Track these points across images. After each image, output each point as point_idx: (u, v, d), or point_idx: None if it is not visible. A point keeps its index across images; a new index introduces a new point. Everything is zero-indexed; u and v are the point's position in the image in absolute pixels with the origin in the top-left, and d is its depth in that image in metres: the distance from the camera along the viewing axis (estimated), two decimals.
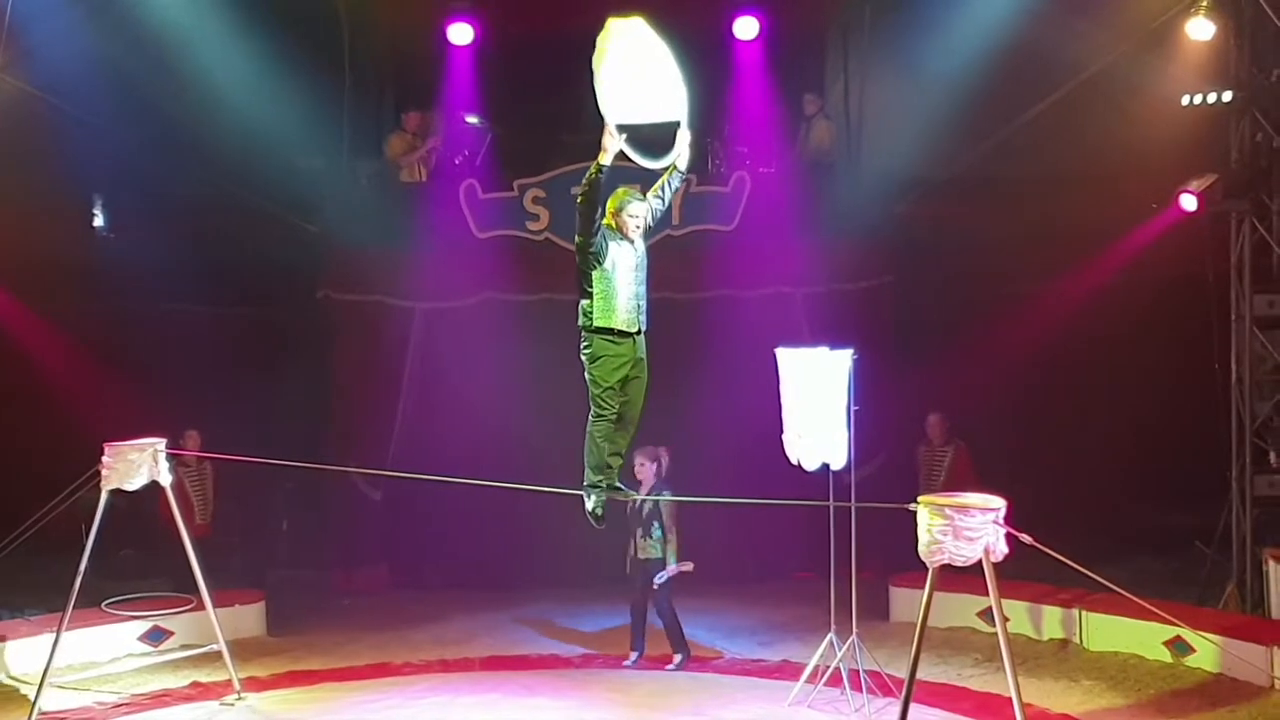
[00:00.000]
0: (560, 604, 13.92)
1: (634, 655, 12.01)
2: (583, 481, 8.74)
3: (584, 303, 8.48)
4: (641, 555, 11.90)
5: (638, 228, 8.56)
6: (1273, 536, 12.68)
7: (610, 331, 8.45)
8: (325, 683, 11.66)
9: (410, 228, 14.85)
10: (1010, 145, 14.50)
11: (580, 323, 8.48)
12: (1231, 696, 10.57)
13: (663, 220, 13.51)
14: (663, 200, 8.76)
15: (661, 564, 11.89)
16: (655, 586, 11.89)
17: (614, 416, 8.61)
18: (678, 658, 11.92)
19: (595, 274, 8.43)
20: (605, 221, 8.49)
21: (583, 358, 8.52)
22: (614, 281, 8.45)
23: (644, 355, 8.64)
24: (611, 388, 8.53)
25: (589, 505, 8.77)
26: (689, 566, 11.98)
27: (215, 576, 11.43)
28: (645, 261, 8.63)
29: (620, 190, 8.59)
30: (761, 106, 15.10)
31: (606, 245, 8.43)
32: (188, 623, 12.37)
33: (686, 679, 11.64)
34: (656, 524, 11.85)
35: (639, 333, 8.57)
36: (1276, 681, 10.50)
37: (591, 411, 8.61)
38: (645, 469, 11.84)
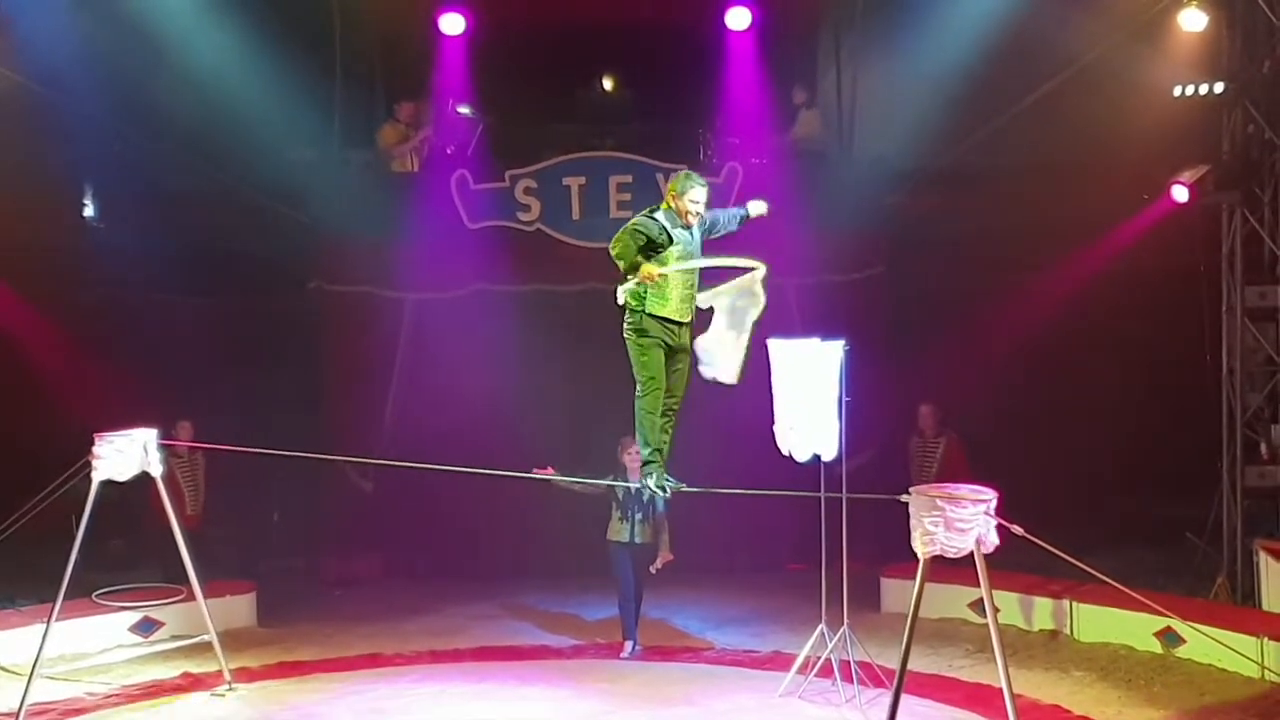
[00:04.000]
0: (551, 594, 13.92)
1: (630, 645, 12.00)
2: (642, 462, 8.83)
3: (629, 287, 8.41)
4: (639, 540, 11.91)
5: (697, 214, 8.52)
6: (1263, 528, 12.71)
7: (661, 319, 8.45)
8: (316, 673, 11.64)
9: (401, 218, 14.82)
10: (1002, 136, 14.49)
11: (629, 304, 8.45)
12: (1221, 688, 10.59)
13: None
14: (719, 222, 8.82)
15: (654, 550, 11.93)
16: (653, 572, 11.94)
17: (662, 387, 8.55)
18: (630, 645, 12.01)
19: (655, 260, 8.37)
20: (664, 204, 8.47)
21: (627, 332, 8.50)
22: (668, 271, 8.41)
23: (687, 344, 8.63)
24: (658, 361, 8.50)
25: (653, 482, 8.76)
26: (671, 556, 12.05)
27: (206, 567, 11.41)
28: (700, 250, 8.61)
29: (683, 174, 8.55)
30: (753, 97, 15.08)
31: (667, 229, 8.38)
32: (178, 613, 12.36)
33: (678, 670, 11.65)
34: (653, 510, 11.88)
35: (688, 323, 8.58)
36: (1266, 672, 10.52)
37: (639, 387, 8.57)
38: (634, 457, 11.83)
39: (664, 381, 8.60)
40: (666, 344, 8.55)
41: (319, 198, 15.06)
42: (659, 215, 8.46)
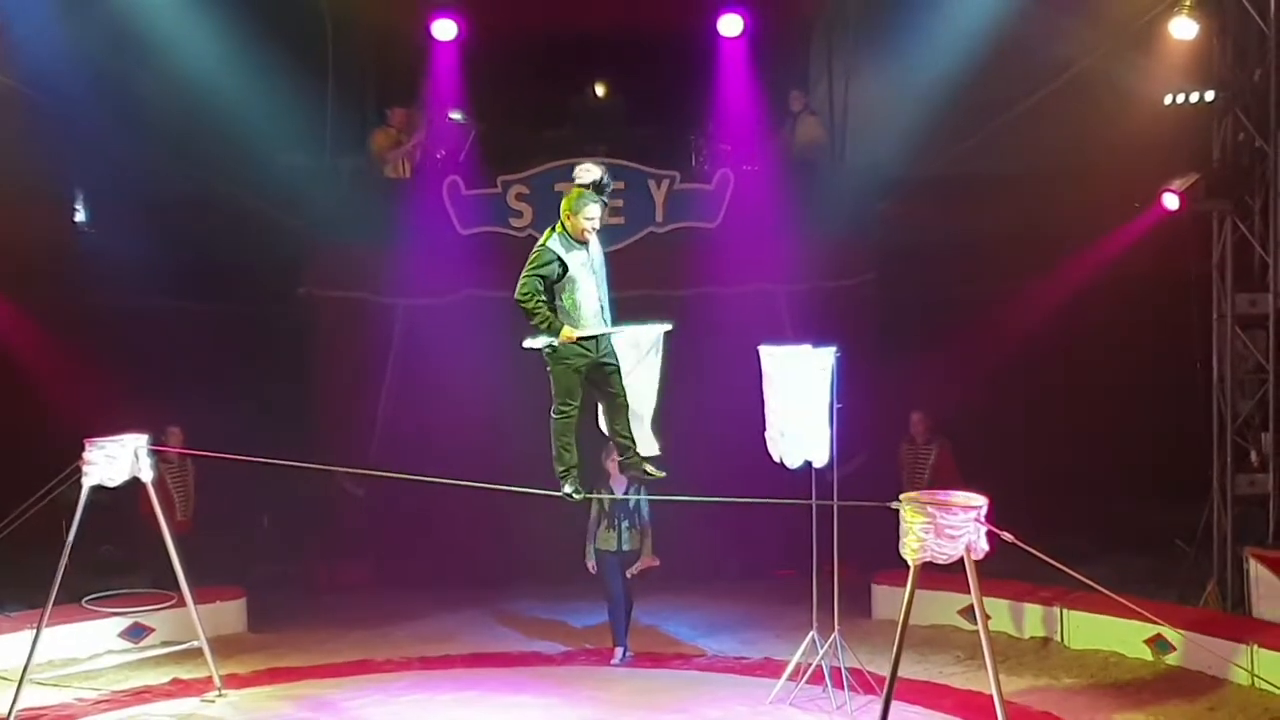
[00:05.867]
0: (542, 601, 13.91)
1: (620, 652, 12.00)
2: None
3: (542, 344, 8.55)
4: (627, 547, 11.91)
5: (594, 229, 8.53)
6: (1253, 535, 12.70)
7: (577, 341, 8.52)
8: (306, 680, 11.64)
9: (393, 224, 14.81)
10: (994, 143, 14.52)
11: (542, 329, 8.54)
12: (1212, 694, 10.61)
13: (646, 217, 13.53)
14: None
15: (637, 556, 11.93)
16: (629, 577, 11.95)
17: (573, 412, 8.70)
18: (621, 651, 12.01)
19: (556, 286, 8.44)
20: (559, 225, 8.49)
21: (545, 356, 8.61)
22: (576, 293, 8.45)
23: (610, 348, 8.67)
24: (574, 383, 8.61)
25: (566, 489, 8.83)
26: (657, 562, 12.06)
27: (196, 573, 11.39)
28: (603, 261, 8.63)
29: (575, 190, 8.57)
30: (746, 104, 15.10)
31: (561, 258, 8.41)
32: (168, 619, 12.32)
33: (669, 676, 11.66)
34: (637, 516, 11.87)
35: (605, 333, 8.63)
36: (1256, 679, 10.53)
37: (554, 405, 8.70)
38: (614, 463, 11.83)
39: (578, 402, 8.71)
40: (585, 362, 8.60)
41: (310, 203, 15.04)
42: (552, 243, 8.45)
